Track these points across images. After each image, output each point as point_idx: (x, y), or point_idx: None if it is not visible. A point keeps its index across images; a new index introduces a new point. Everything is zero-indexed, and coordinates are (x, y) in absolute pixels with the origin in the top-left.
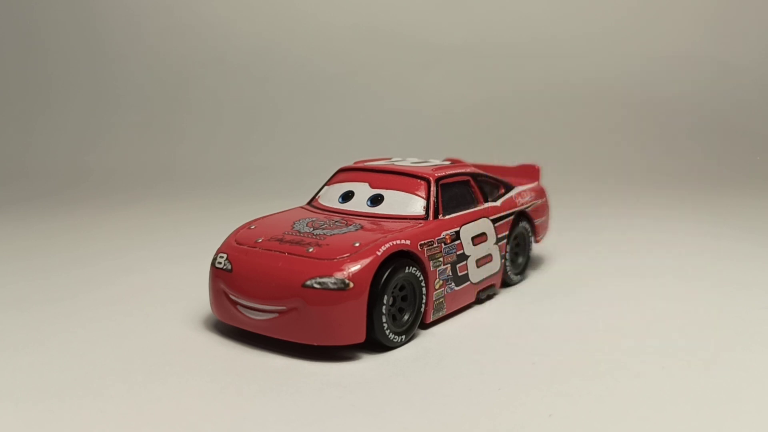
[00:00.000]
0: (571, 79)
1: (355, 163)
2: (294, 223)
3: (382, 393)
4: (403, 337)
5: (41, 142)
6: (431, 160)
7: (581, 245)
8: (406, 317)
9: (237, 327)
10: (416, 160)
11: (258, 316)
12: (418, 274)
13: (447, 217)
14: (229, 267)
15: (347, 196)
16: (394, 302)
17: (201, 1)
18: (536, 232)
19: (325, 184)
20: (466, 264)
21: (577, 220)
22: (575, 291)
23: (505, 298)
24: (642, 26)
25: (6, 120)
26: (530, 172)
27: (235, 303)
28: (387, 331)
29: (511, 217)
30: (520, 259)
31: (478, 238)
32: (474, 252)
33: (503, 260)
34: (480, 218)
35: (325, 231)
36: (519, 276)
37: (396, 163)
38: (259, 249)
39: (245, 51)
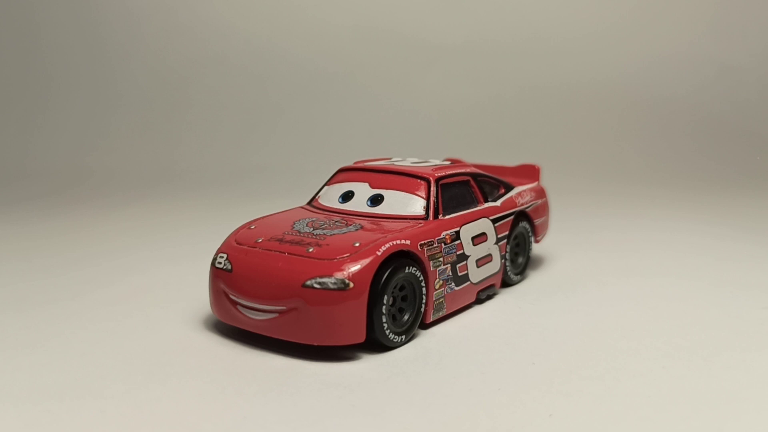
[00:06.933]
0: (571, 79)
1: (355, 163)
2: (294, 223)
3: (382, 393)
4: (403, 337)
5: (41, 142)
6: (431, 160)
7: (581, 245)
8: (406, 317)
9: (237, 327)
10: (416, 160)
11: (258, 316)
12: (418, 274)
13: (447, 217)
14: (229, 267)
15: (347, 196)
16: (394, 302)
17: (201, 1)
18: (536, 232)
19: (325, 184)
20: (466, 264)
21: (577, 220)
22: (575, 291)
23: (505, 298)
24: (642, 26)
25: (6, 120)
26: (530, 172)
27: (235, 303)
28: (387, 331)
29: (511, 217)
30: (520, 259)
31: (478, 238)
32: (474, 252)
33: (503, 260)
34: (480, 218)
35: (325, 231)
36: (519, 276)
37: (396, 163)
38: (259, 249)
39: (245, 51)
